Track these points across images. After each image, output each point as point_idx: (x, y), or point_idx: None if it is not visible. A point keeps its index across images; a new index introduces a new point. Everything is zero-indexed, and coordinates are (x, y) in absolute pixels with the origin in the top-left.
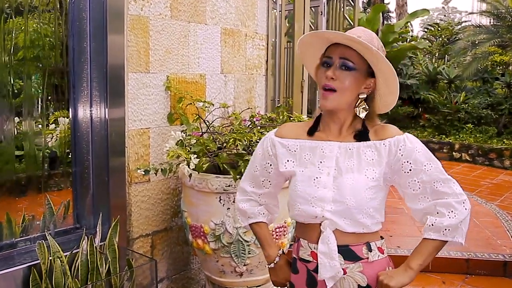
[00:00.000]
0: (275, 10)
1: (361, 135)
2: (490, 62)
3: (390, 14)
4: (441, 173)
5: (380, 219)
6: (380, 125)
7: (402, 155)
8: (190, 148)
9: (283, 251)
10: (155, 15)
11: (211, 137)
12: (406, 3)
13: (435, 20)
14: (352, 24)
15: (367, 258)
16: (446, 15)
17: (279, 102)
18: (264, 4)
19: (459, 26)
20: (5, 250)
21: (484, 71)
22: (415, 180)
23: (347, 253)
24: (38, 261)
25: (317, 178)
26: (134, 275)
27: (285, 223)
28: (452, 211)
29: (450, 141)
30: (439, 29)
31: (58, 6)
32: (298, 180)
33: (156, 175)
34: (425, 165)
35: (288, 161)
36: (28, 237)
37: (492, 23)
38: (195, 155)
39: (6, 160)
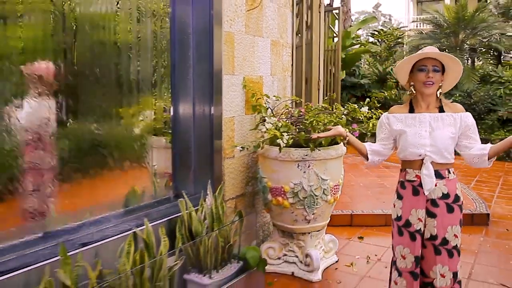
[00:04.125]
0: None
1: (441, 108)
2: None
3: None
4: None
5: (453, 156)
6: (449, 102)
7: (466, 123)
8: (279, 129)
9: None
10: (237, 31)
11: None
12: (350, 9)
13: (370, 26)
14: (337, 34)
15: (448, 177)
16: (385, 21)
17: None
18: (290, 18)
19: (402, 32)
20: (142, 210)
21: None
22: (471, 136)
23: (438, 174)
24: (174, 216)
25: (419, 133)
26: (243, 223)
27: (339, 182)
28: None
29: None
30: (384, 34)
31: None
32: (408, 135)
33: (247, 149)
34: (474, 128)
35: (398, 124)
36: (159, 199)
37: (431, 30)
38: (286, 134)
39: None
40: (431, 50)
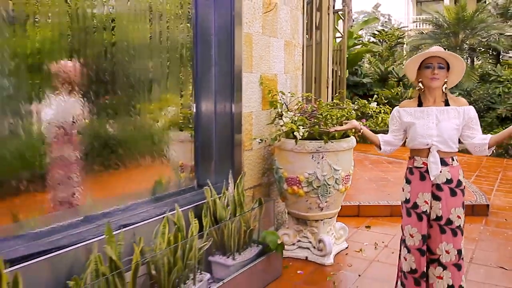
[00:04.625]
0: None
1: (447, 102)
2: None
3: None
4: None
5: (457, 145)
6: (454, 96)
7: (469, 116)
8: (295, 123)
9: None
10: (255, 32)
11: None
12: (351, 10)
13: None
14: (342, 34)
15: (451, 164)
16: (385, 21)
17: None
18: (301, 20)
19: (403, 32)
20: (170, 198)
21: None
22: (473, 127)
23: (442, 161)
24: (199, 203)
25: (427, 125)
26: (263, 209)
27: (350, 173)
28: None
29: None
30: (386, 34)
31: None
32: (417, 126)
33: (264, 142)
34: (476, 120)
35: (408, 117)
36: (185, 188)
37: (432, 30)
38: (302, 127)
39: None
40: (436, 49)
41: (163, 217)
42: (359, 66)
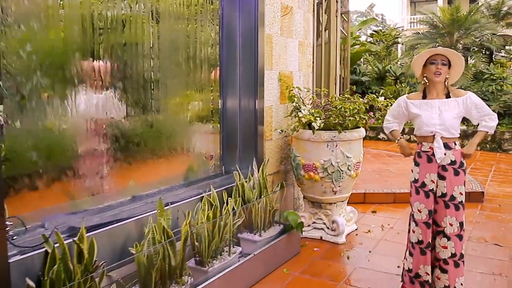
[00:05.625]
0: None
1: (448, 95)
2: None
3: None
4: (485, 105)
5: (458, 132)
6: (455, 89)
7: (469, 103)
8: (312, 115)
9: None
10: (274, 33)
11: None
12: (348, 11)
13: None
14: (346, 35)
15: (454, 147)
16: (380, 21)
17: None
18: (311, 22)
19: (399, 32)
20: (202, 181)
21: None
22: (477, 112)
23: (446, 146)
24: (227, 186)
25: (431, 115)
26: (284, 192)
27: (360, 160)
28: (492, 120)
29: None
30: (383, 34)
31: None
32: (422, 117)
33: (284, 132)
34: (479, 105)
35: (414, 108)
36: (214, 173)
37: (427, 30)
38: (319, 118)
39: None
40: (440, 48)
41: (199, 197)
42: (357, 65)
